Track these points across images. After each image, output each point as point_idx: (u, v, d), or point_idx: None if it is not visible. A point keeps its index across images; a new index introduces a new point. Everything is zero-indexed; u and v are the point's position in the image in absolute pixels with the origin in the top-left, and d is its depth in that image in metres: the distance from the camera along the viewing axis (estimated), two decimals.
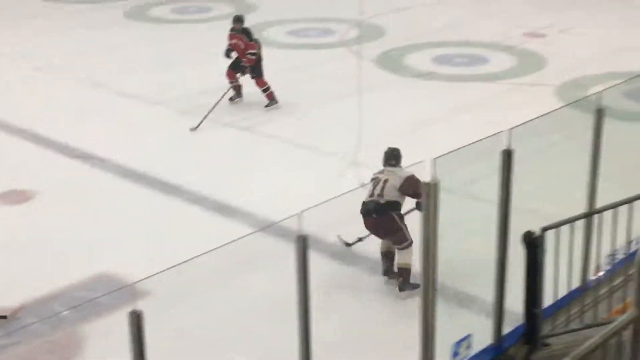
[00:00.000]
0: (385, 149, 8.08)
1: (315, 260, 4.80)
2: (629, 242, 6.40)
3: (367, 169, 9.51)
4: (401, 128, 11.79)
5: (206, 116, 12.23)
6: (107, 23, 19.11)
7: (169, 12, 20.13)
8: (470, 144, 5.57)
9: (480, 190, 8.93)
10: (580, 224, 6.35)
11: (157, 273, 4.35)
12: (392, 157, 8.01)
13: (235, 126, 12.19)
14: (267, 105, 12.95)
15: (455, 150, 5.40)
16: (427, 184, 4.75)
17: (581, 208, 6.63)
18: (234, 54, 13.07)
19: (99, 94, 13.88)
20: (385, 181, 7.70)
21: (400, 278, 7.56)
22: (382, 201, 7.59)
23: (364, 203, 7.71)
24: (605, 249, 6.44)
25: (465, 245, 8.32)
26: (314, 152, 11.10)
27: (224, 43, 13.17)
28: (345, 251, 8.39)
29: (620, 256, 6.71)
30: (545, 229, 5.87)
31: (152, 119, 12.67)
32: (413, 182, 7.54)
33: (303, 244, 4.56)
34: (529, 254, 5.82)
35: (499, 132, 5.49)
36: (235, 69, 13.07)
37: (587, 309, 6.27)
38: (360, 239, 8.28)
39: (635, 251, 6.11)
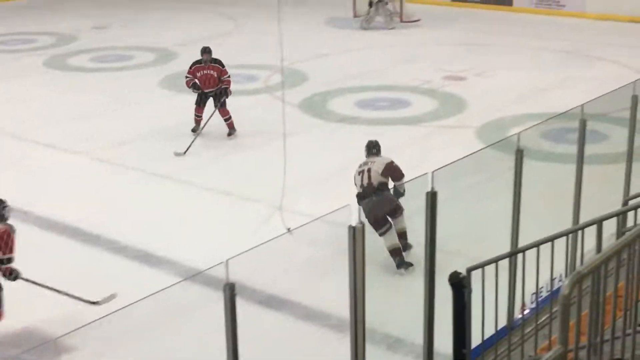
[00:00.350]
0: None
1: (243, 308, 4.74)
2: (552, 280, 6.50)
3: (292, 214, 9.50)
4: (327, 172, 11.84)
5: (192, 142, 12.90)
6: (26, 72, 18.82)
7: (88, 60, 19.92)
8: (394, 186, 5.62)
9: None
10: (504, 263, 6.44)
11: (82, 326, 4.24)
12: (374, 147, 9.57)
13: (158, 174, 12.06)
14: (229, 134, 13.61)
15: None
16: (353, 228, 4.77)
17: (505, 247, 6.73)
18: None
19: (17, 144, 13.61)
20: (369, 170, 9.06)
21: (403, 241, 8.93)
22: (373, 188, 8.88)
23: (358, 194, 8.97)
24: (530, 287, 6.54)
25: (394, 286, 8.36)
26: (239, 198, 11.05)
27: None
28: (273, 298, 8.33)
29: (544, 294, 6.82)
30: (470, 270, 5.94)
31: (72, 169, 12.45)
32: (393, 167, 9.08)
33: (230, 292, 4.51)
34: (455, 295, 5.87)
35: (423, 174, 5.55)
36: (202, 102, 13.65)
37: (514, 347, 6.33)
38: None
39: (559, 288, 6.22)
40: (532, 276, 6.31)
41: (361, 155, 9.55)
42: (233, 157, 12.79)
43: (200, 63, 13.46)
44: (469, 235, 8.95)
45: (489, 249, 6.63)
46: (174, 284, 5.79)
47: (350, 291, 4.82)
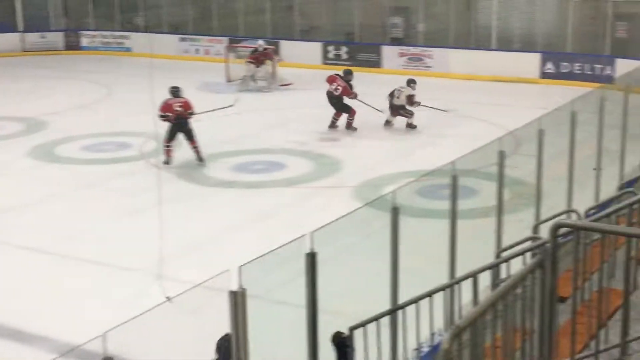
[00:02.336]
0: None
1: None
2: (433, 334, 6.59)
3: (173, 282, 9.33)
4: (205, 238, 11.73)
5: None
6: None
7: None
8: (274, 249, 5.61)
9: (288, 294, 8.98)
10: (386, 321, 6.49)
11: None
12: (408, 79, 18.76)
13: (25, 247, 11.65)
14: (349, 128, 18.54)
15: (259, 256, 5.41)
16: (234, 293, 4.72)
17: (386, 304, 6.79)
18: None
19: None
20: (400, 91, 18.19)
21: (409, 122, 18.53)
22: (397, 103, 18.17)
23: (390, 104, 18.36)
24: (412, 343, 6.61)
25: (276, 350, 8.28)
26: (115, 269, 10.77)
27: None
28: None
29: (426, 349, 6.90)
30: (353, 328, 5.96)
31: None
32: (412, 97, 18.12)
33: None
34: (339, 355, 5.87)
35: (301, 236, 5.56)
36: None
37: None
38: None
39: (440, 343, 6.31)
40: (413, 332, 6.38)
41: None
42: (108, 226, 12.49)
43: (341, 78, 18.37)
44: (350, 294, 8.99)
45: (370, 307, 6.68)
46: None
47: (233, 358, 4.75)
